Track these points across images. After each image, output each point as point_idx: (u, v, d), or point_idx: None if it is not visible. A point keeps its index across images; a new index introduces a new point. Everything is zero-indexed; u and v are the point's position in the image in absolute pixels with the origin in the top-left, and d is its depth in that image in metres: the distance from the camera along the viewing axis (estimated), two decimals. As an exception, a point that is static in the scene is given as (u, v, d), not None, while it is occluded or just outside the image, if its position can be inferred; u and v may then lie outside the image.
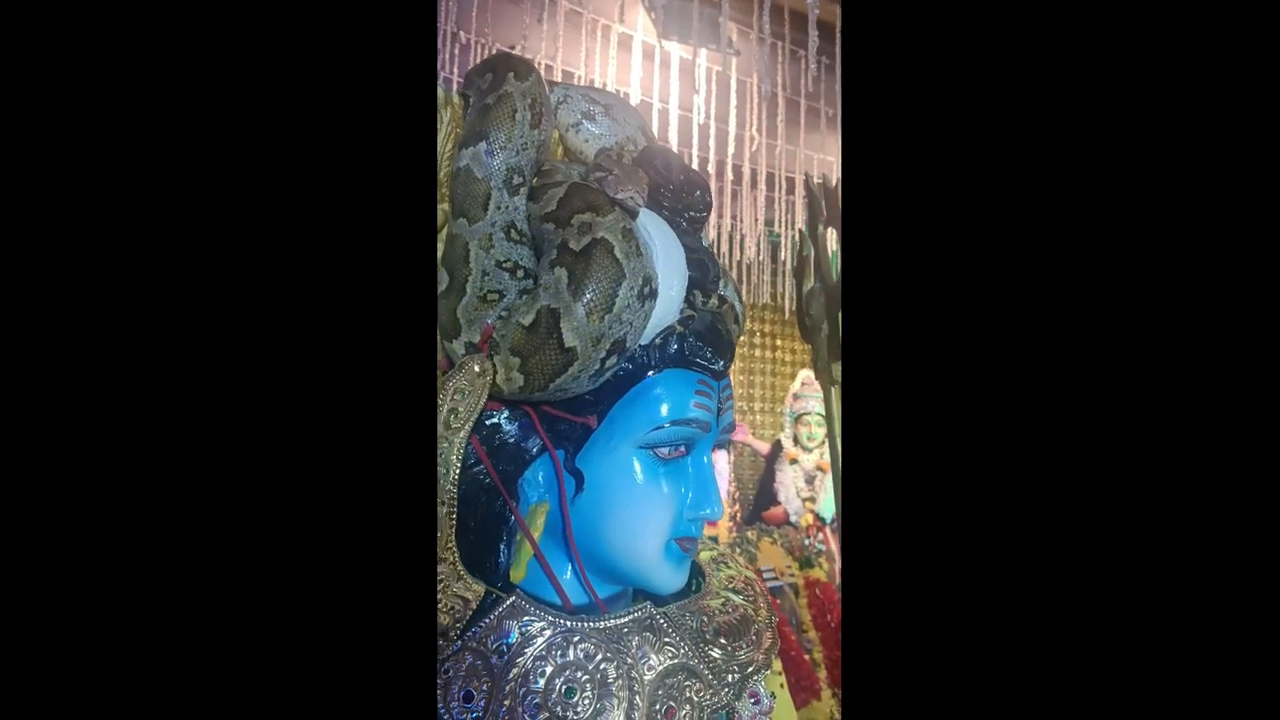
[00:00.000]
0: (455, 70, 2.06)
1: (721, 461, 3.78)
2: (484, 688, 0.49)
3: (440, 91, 0.57)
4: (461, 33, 2.01)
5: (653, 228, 0.56)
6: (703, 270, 0.61)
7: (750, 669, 0.54)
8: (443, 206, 0.57)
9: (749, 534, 2.70)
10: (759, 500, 3.53)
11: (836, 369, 0.79)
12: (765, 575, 2.32)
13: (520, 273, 0.54)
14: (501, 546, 0.58)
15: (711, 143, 2.29)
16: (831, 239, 0.80)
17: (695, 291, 0.60)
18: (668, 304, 0.56)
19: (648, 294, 0.52)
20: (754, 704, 0.71)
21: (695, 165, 2.31)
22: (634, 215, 0.53)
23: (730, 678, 0.52)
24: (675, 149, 2.23)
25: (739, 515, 3.62)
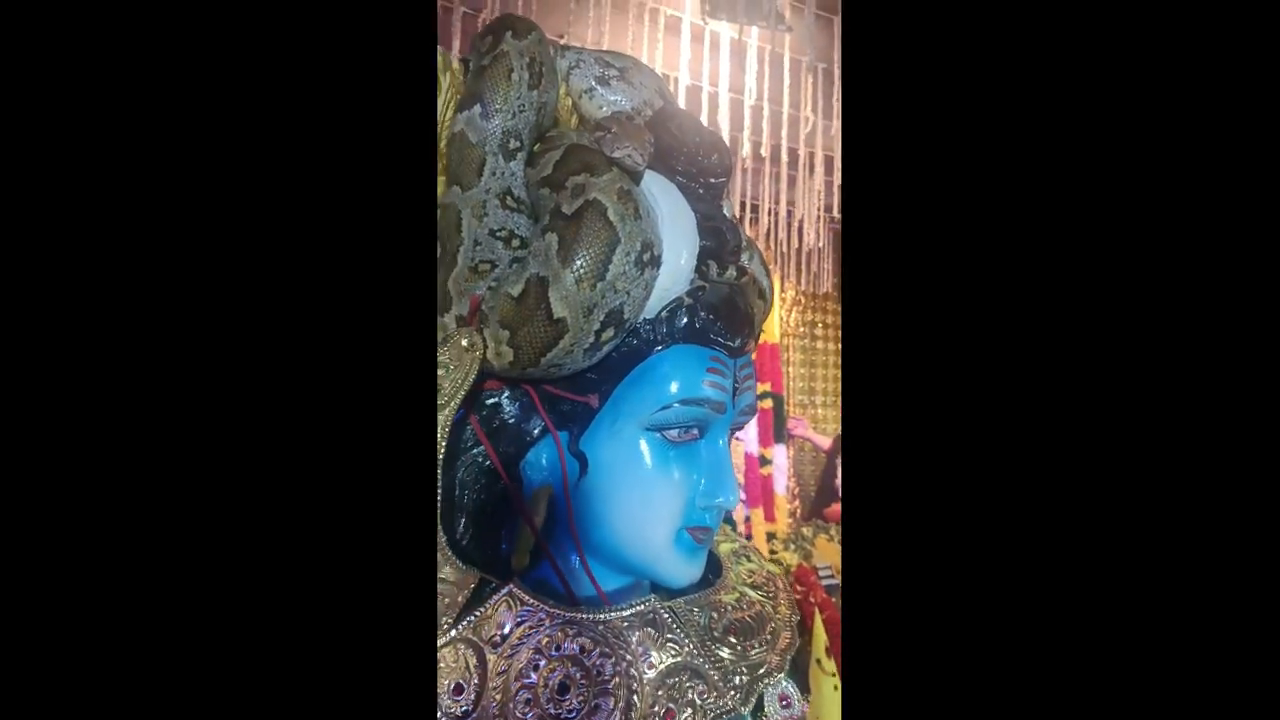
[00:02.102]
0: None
1: (781, 457, 3.69)
2: (475, 680, 0.46)
3: (439, 56, 0.54)
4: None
5: (658, 190, 0.52)
6: (719, 239, 0.57)
7: (761, 671, 0.49)
8: (444, 179, 0.55)
9: (804, 530, 2.61)
10: (819, 497, 3.42)
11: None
12: (822, 573, 2.24)
13: (516, 242, 0.50)
14: (503, 533, 0.55)
15: (765, 125, 2.20)
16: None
17: (709, 262, 0.55)
18: (675, 273, 0.52)
19: (647, 261, 0.47)
20: (784, 707, 0.66)
21: (747, 150, 2.24)
22: (635, 175, 0.49)
23: (739, 679, 0.48)
24: (727, 133, 2.17)
25: (799, 512, 3.51)
